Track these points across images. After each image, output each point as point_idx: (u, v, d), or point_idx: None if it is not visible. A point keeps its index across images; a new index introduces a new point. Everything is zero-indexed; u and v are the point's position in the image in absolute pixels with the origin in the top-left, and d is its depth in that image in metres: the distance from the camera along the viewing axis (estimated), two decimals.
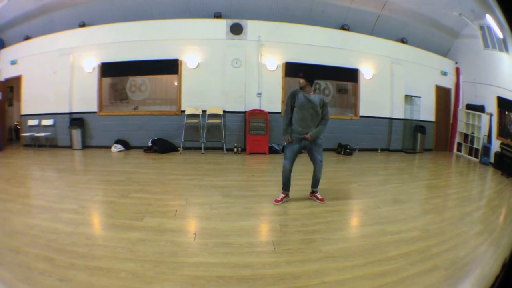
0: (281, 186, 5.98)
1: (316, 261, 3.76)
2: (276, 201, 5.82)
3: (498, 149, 10.27)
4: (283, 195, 5.93)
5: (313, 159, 5.95)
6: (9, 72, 12.26)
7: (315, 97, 5.73)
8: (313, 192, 6.10)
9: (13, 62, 12.15)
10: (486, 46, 11.39)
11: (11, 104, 13.36)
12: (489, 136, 11.04)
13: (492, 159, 10.53)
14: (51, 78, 11.55)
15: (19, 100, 12.42)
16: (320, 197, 5.99)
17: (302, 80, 5.73)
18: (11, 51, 12.34)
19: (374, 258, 3.85)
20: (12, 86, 13.01)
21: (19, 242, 4.05)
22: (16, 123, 13.43)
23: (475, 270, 3.63)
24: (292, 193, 6.15)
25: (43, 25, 11.86)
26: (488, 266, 3.18)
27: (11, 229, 4.47)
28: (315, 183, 6.05)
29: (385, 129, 12.66)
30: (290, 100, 5.81)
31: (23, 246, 3.93)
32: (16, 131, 13.37)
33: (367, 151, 12.32)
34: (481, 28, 11.38)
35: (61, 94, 11.55)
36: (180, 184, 7.24)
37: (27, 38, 12.15)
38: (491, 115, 11.10)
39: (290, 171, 5.88)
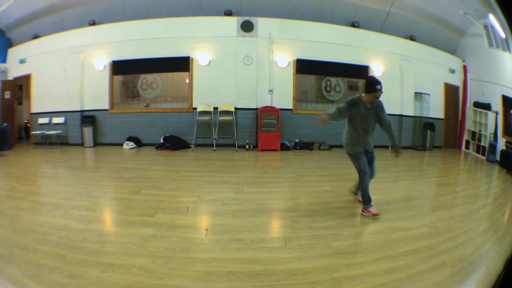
0: (366, 201, 5.25)
1: (326, 257, 3.79)
2: (375, 215, 5.10)
3: (504, 148, 10.23)
4: (372, 206, 5.23)
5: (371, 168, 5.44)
6: (18, 71, 12.34)
7: (375, 104, 5.23)
8: (355, 193, 5.77)
9: (21, 61, 12.20)
10: (490, 45, 11.32)
11: (20, 103, 13.43)
12: (495, 134, 10.99)
13: (498, 157, 10.49)
14: (61, 76, 11.63)
15: (28, 98, 12.50)
16: (366, 210, 5.25)
17: (368, 97, 5.13)
18: (19, 50, 12.41)
19: (384, 255, 3.88)
20: (21, 85, 13.10)
21: (29, 239, 4.10)
22: (25, 121, 13.49)
23: (480, 268, 3.64)
24: (304, 189, 6.19)
25: (52, 24, 11.91)
26: (492, 264, 3.20)
27: (20, 227, 4.52)
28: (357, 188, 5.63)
29: (395, 126, 12.54)
30: (349, 109, 5.15)
31: (33, 244, 3.97)
32: (26, 129, 13.43)
33: (378, 147, 12.21)
34: (485, 27, 11.30)
35: (72, 92, 11.64)
36: (192, 180, 7.31)
37: (35, 37, 12.21)
38: (496, 113, 11.04)
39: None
